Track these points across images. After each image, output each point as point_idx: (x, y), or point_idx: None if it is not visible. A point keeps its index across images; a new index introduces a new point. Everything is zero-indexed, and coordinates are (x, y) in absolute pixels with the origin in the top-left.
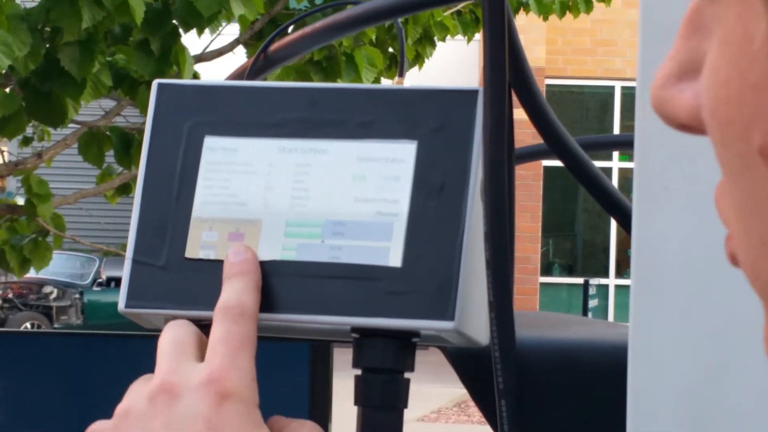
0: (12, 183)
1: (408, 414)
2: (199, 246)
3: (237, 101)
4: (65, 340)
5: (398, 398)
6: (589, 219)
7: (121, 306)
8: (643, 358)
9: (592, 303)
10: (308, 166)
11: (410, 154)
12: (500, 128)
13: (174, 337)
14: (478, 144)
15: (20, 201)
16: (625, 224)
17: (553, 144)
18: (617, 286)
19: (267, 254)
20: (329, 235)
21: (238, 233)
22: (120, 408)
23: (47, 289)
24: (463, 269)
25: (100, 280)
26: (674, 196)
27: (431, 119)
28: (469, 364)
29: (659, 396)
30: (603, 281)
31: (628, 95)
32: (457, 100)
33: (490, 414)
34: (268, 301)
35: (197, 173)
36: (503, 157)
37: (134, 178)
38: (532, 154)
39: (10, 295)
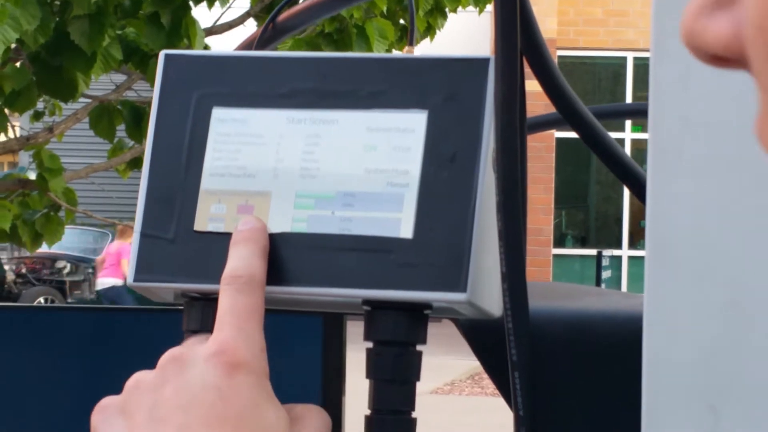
0: (24, 158)
1: (421, 386)
2: (207, 219)
3: (246, 72)
4: (79, 315)
5: (411, 371)
6: (602, 190)
7: (129, 280)
8: (658, 328)
9: (606, 274)
10: (318, 137)
11: (421, 124)
12: (512, 96)
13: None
14: (490, 113)
15: (32, 176)
16: (639, 193)
17: (566, 113)
18: (630, 258)
19: (277, 226)
20: (340, 207)
21: (247, 205)
22: (129, 382)
23: (60, 263)
24: (475, 240)
25: None
26: (689, 164)
27: (442, 88)
28: (481, 335)
29: (674, 366)
30: (616, 252)
31: (641, 66)
32: (468, 68)
33: (503, 386)
34: (278, 273)
35: (205, 145)
36: (515, 126)
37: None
38: (544, 124)
39: (24, 270)
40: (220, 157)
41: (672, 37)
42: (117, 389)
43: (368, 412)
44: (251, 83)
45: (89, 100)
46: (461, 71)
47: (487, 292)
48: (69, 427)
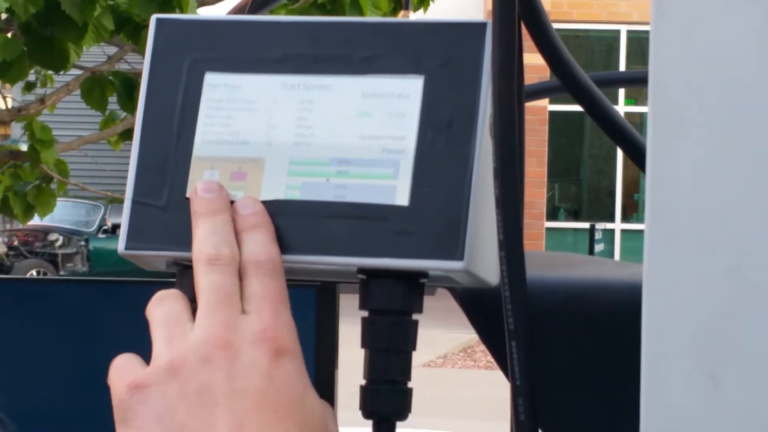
0: (16, 130)
1: (413, 359)
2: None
3: (238, 36)
4: (71, 287)
5: (407, 340)
6: (595, 164)
7: (120, 248)
8: (657, 297)
9: (598, 248)
10: (312, 102)
11: (417, 90)
12: (510, 62)
13: (216, 283)
14: (487, 79)
15: (23, 147)
16: (639, 161)
17: (565, 80)
18: (623, 231)
19: (270, 194)
20: (334, 174)
21: (240, 172)
22: (163, 359)
23: (53, 236)
24: (472, 208)
25: (105, 227)
26: (690, 130)
27: (438, 53)
28: (478, 305)
29: (674, 335)
30: (609, 226)
31: (634, 39)
32: (464, 33)
33: (499, 356)
34: None
35: (198, 111)
36: (513, 92)
37: None
38: (543, 91)
39: (16, 243)
40: (212, 123)
41: (672, 7)
42: (110, 360)
43: (363, 382)
44: (244, 48)
45: (81, 72)
46: (458, 36)
47: (484, 260)
48: (62, 398)
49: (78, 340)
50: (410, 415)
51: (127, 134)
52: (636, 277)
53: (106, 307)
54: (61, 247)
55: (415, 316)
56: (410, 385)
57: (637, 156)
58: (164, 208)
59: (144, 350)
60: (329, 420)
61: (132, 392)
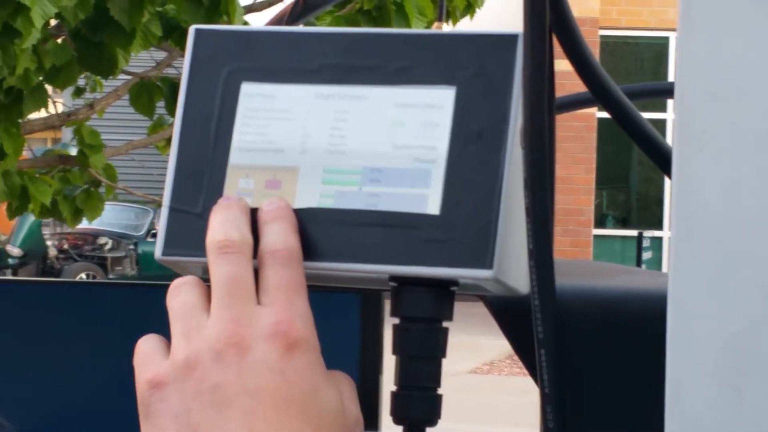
0: (67, 134)
1: (460, 366)
2: (236, 193)
3: (275, 47)
4: (120, 291)
5: (437, 347)
6: (643, 171)
7: (158, 254)
8: (682, 308)
9: (646, 255)
10: (346, 112)
11: (449, 100)
12: (540, 73)
13: (228, 274)
14: (518, 89)
15: (73, 152)
16: (669, 173)
17: (597, 91)
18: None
19: (304, 202)
20: (367, 182)
21: (275, 180)
22: (180, 354)
23: (102, 240)
24: (502, 217)
25: (154, 232)
26: (715, 141)
27: (470, 64)
28: (508, 313)
29: (699, 346)
30: (657, 233)
31: None
32: (496, 45)
33: (529, 364)
34: (305, 249)
35: (234, 120)
36: (543, 102)
37: None
38: (574, 103)
39: (66, 246)
40: (248, 132)
41: (699, 11)
42: None
43: (394, 388)
44: (280, 58)
45: (129, 77)
46: (490, 47)
47: (513, 269)
48: (110, 401)
49: (126, 343)
50: (456, 422)
51: None
52: (665, 287)
53: (154, 311)
54: (110, 250)
55: (446, 323)
56: (440, 391)
57: (667, 168)
58: (200, 215)
59: None
60: (348, 401)
61: (152, 390)
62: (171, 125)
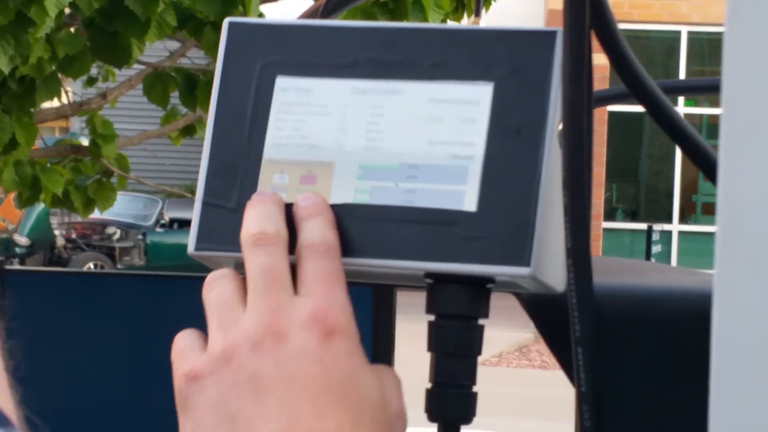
0: (76, 123)
1: None
2: (270, 188)
3: (309, 41)
4: (129, 281)
5: (473, 345)
6: (653, 164)
7: (190, 249)
8: (728, 307)
9: (655, 249)
10: (382, 107)
11: (486, 96)
12: (580, 71)
13: (264, 266)
14: (557, 87)
15: (84, 142)
16: (706, 169)
17: (634, 87)
18: (681, 233)
19: (339, 197)
20: (403, 179)
21: (310, 176)
22: (217, 346)
23: (110, 230)
24: (540, 214)
25: (163, 222)
26: (763, 139)
27: (508, 61)
28: (544, 311)
29: (745, 346)
30: (666, 227)
31: (695, 40)
32: (534, 41)
33: (564, 361)
34: (341, 245)
35: (268, 114)
36: (583, 101)
37: (199, 120)
38: (610, 97)
39: (74, 236)
40: (283, 127)
41: (747, 8)
42: (165, 355)
43: (429, 385)
44: (315, 52)
45: (143, 67)
46: (528, 44)
47: (551, 266)
48: (117, 390)
49: (134, 333)
50: None
51: (188, 130)
52: (703, 285)
53: (162, 301)
54: (118, 240)
55: (481, 320)
56: (475, 389)
57: (703, 164)
58: (234, 210)
59: None
60: (390, 392)
61: (189, 383)
62: (184, 116)
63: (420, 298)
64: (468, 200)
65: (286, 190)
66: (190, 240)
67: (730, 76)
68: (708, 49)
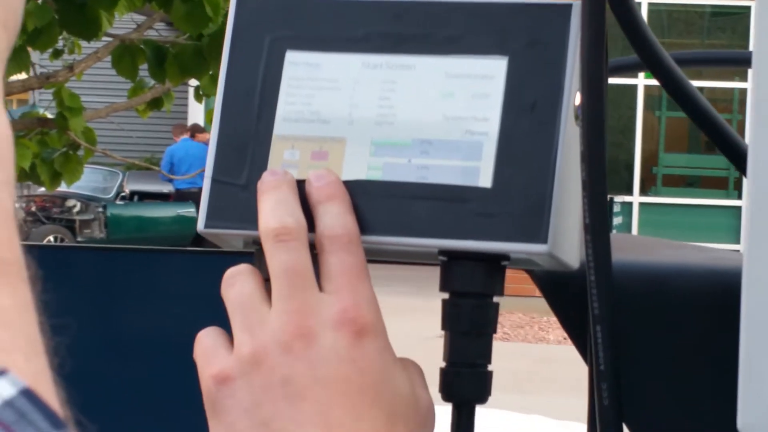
0: (36, 96)
1: (430, 331)
2: (281, 165)
3: (319, 15)
4: (89, 254)
5: (488, 323)
6: (613, 136)
7: (200, 226)
8: (758, 286)
9: (616, 221)
10: (394, 82)
11: (501, 71)
12: (598, 44)
13: (287, 264)
14: (572, 61)
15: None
16: (720, 143)
17: (647, 58)
18: (641, 204)
19: (352, 174)
20: (416, 155)
21: (321, 152)
22: (245, 349)
23: (70, 202)
24: (557, 190)
25: (123, 194)
26: None
27: (522, 34)
28: (558, 288)
29: None
30: (627, 199)
31: (654, 11)
32: (549, 14)
33: (579, 340)
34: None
35: (278, 89)
36: (603, 74)
37: (167, 93)
38: (623, 67)
39: (34, 209)
40: (293, 102)
41: None
42: (125, 328)
43: (443, 364)
44: (325, 26)
45: (110, 39)
46: (543, 17)
47: (567, 243)
48: (80, 365)
49: (94, 307)
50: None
51: (156, 103)
52: (717, 262)
53: (122, 274)
54: (78, 213)
55: (496, 298)
56: (490, 368)
57: (712, 134)
58: (244, 187)
59: (163, 317)
60: (419, 387)
61: (219, 386)
62: (151, 88)
63: (397, 270)
64: (483, 176)
65: (297, 166)
66: (200, 218)
67: (761, 52)
68: (667, 21)
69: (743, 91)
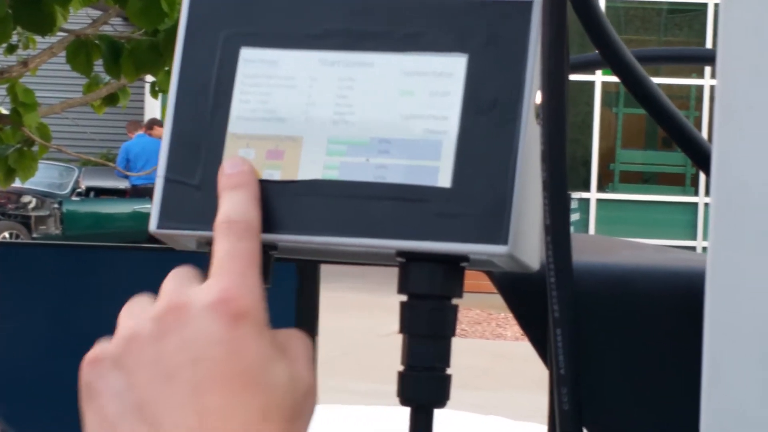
0: None
1: (381, 328)
2: None
3: (275, 10)
4: (45, 251)
5: (447, 326)
6: (570, 133)
7: (152, 227)
8: (722, 287)
9: (573, 217)
10: (352, 80)
11: (460, 68)
12: (559, 41)
13: (177, 270)
14: (533, 58)
15: (3, 110)
16: (681, 141)
17: (608, 56)
18: (599, 200)
19: (308, 173)
20: (374, 154)
21: (277, 150)
22: (122, 331)
23: (26, 198)
24: (517, 190)
25: (79, 190)
26: (760, 115)
27: (482, 31)
28: (517, 290)
29: (741, 328)
30: (584, 195)
31: (612, 8)
32: (509, 11)
33: (538, 342)
34: (309, 222)
35: (233, 87)
36: (564, 72)
37: (122, 88)
38: (584, 65)
39: None
40: (248, 100)
41: None
42: (83, 326)
43: (401, 367)
44: (281, 23)
45: (65, 34)
46: (502, 14)
47: (527, 244)
48: (35, 364)
49: (50, 304)
50: (389, 384)
51: (111, 98)
52: (679, 263)
53: (79, 271)
54: (34, 209)
55: (455, 300)
56: (449, 371)
57: (674, 134)
58: (198, 187)
59: (114, 316)
60: (299, 369)
61: (89, 368)
62: (107, 84)
63: (351, 266)
64: (442, 176)
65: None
66: (152, 218)
67: (726, 50)
68: (624, 18)
69: (700, 88)
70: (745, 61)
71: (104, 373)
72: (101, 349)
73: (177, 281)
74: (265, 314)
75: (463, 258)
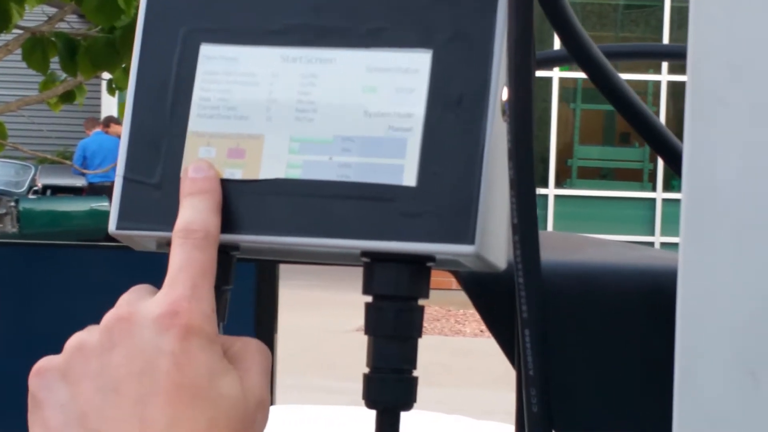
0: None
1: (346, 324)
2: None
3: (236, 6)
4: (5, 250)
5: (413, 327)
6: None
7: (111, 227)
8: (694, 287)
9: None
10: (314, 77)
11: (425, 64)
12: (526, 36)
13: (136, 286)
14: (499, 53)
15: None
16: (648, 137)
17: (574, 51)
18: (557, 196)
19: (270, 172)
20: (338, 152)
21: (238, 149)
22: (70, 343)
23: None
24: (484, 189)
25: (36, 188)
26: (732, 112)
27: (447, 26)
28: (484, 290)
29: (712, 329)
30: (542, 191)
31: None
32: (475, 6)
33: (506, 342)
34: (271, 222)
35: (193, 84)
36: (531, 67)
37: (79, 86)
38: (550, 61)
39: None
40: (208, 97)
41: None
42: (40, 325)
43: (366, 370)
44: (242, 19)
45: (20, 32)
46: (468, 9)
47: (494, 244)
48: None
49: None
50: (352, 381)
51: (67, 96)
52: (648, 261)
53: (38, 270)
54: None
55: (421, 301)
56: (416, 373)
57: (641, 129)
58: (157, 186)
59: (78, 313)
60: (251, 381)
61: (35, 379)
62: (63, 82)
63: (300, 264)
64: (407, 174)
65: (214, 164)
66: (111, 219)
67: (697, 46)
68: (581, 13)
69: (657, 84)
70: (716, 57)
71: (49, 384)
72: (48, 360)
73: (133, 295)
74: (215, 328)
75: (430, 258)
